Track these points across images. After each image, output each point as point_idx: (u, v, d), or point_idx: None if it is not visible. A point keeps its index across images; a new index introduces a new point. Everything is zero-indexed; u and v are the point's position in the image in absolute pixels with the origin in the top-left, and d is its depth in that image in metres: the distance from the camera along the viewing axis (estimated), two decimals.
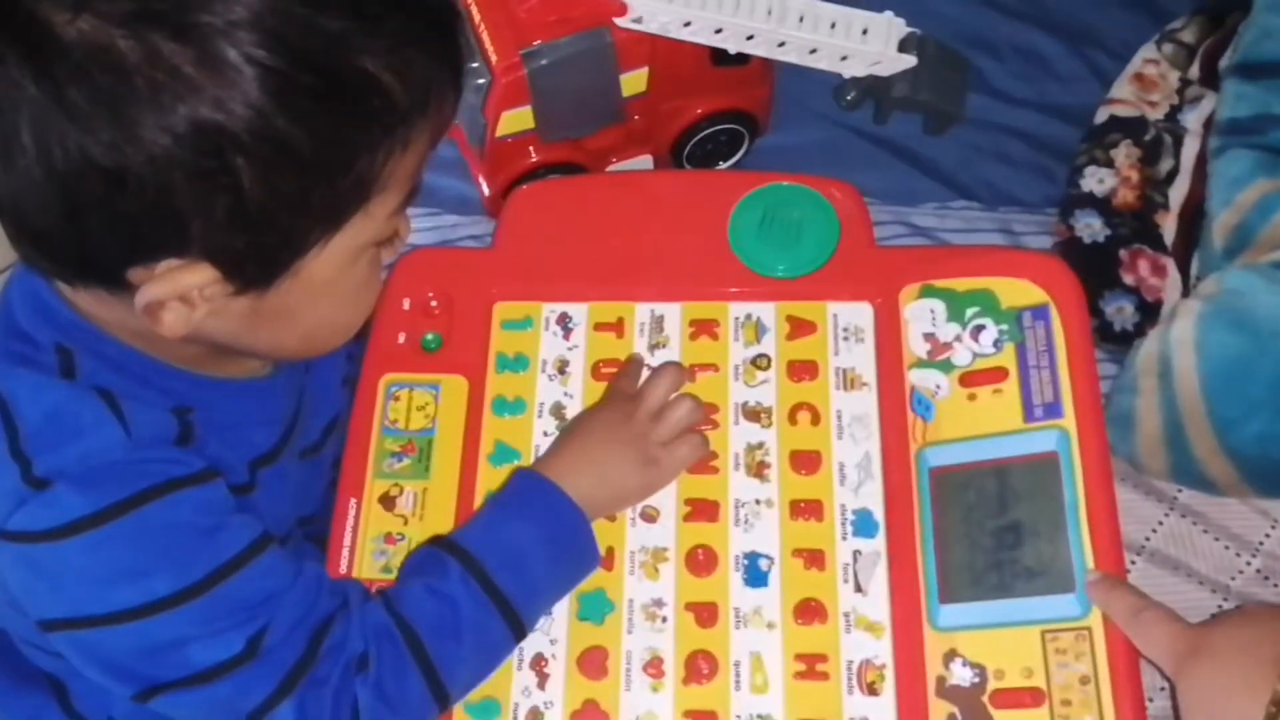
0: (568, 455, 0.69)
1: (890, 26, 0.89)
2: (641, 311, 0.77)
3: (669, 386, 0.72)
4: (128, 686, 0.58)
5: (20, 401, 0.56)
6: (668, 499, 0.71)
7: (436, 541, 0.67)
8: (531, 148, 0.93)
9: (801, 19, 0.87)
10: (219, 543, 0.58)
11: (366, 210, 0.54)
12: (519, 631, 0.65)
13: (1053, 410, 0.68)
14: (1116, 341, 0.87)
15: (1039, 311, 0.71)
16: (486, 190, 0.97)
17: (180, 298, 0.53)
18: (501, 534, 0.65)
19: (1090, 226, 0.92)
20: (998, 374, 0.70)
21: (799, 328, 0.76)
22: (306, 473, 0.70)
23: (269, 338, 0.59)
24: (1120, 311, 0.89)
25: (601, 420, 0.71)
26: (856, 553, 0.68)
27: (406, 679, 0.61)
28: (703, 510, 0.70)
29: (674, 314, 0.77)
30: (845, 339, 0.75)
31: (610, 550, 0.69)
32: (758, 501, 0.70)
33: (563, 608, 0.68)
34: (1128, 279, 0.90)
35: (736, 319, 0.77)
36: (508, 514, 0.67)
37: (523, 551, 0.65)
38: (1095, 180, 0.94)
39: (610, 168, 0.97)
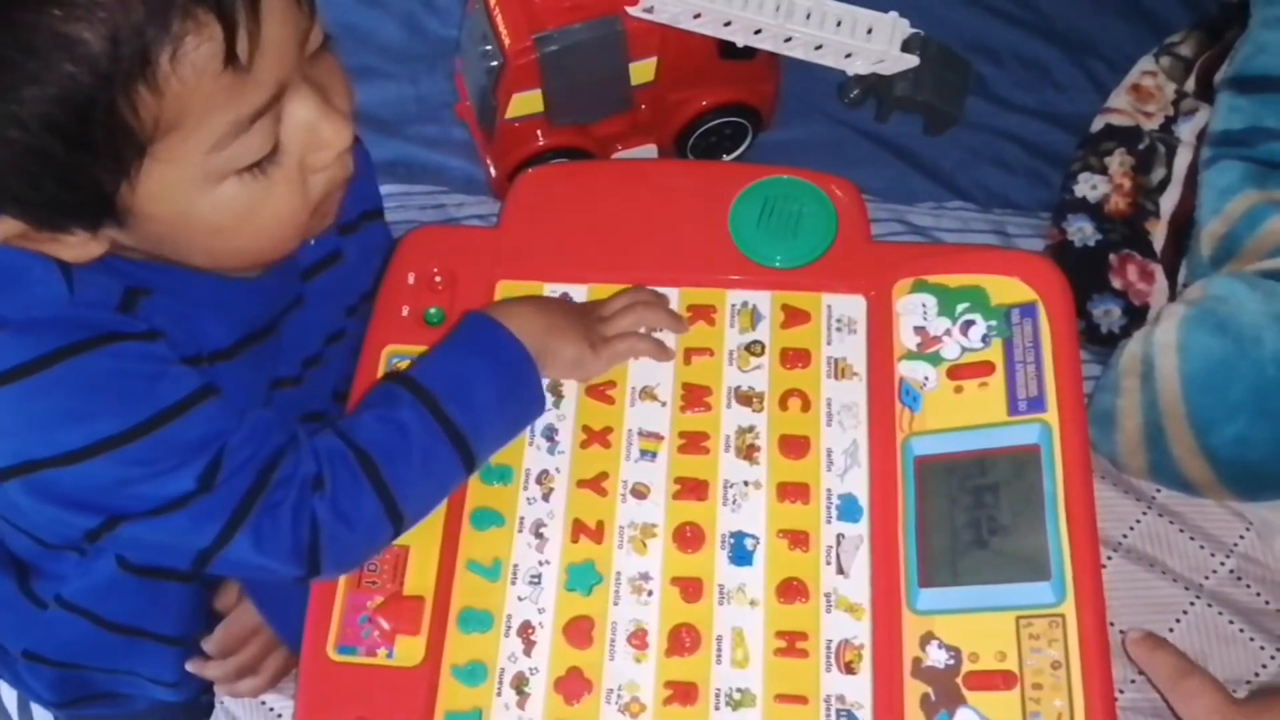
0: (516, 306, 0.73)
1: (895, 26, 0.91)
2: None
3: (627, 298, 0.76)
4: (89, 518, 0.61)
5: None
6: (659, 477, 0.72)
7: (388, 377, 0.70)
8: (539, 131, 0.94)
9: (808, 16, 0.89)
10: (161, 388, 0.59)
11: (155, 154, 0.53)
12: (468, 461, 0.68)
13: (1036, 404, 0.69)
14: (1103, 343, 0.89)
15: (1027, 309, 0.72)
16: (493, 172, 0.99)
17: (29, 238, 0.55)
18: (450, 367, 0.69)
19: (1082, 230, 0.94)
20: (984, 368, 0.72)
21: (793, 317, 0.77)
22: (278, 402, 0.71)
23: (178, 255, 0.60)
24: (1108, 314, 0.91)
25: (558, 300, 0.77)
26: (840, 536, 0.70)
27: (361, 498, 0.64)
28: (692, 489, 0.72)
29: (672, 298, 0.78)
30: (838, 329, 0.77)
31: (600, 524, 0.71)
32: (746, 483, 0.72)
33: (552, 578, 0.70)
34: (1116, 283, 0.92)
35: (733, 306, 0.78)
36: (457, 350, 0.71)
37: (470, 383, 0.69)
38: (1089, 186, 0.96)
39: (615, 155, 0.98)
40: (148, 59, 0.50)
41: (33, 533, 0.71)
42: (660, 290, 0.79)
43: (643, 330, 0.76)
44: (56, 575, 0.73)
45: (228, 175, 0.56)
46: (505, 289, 0.79)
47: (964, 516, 0.67)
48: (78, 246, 0.57)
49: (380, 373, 0.75)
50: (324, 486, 0.64)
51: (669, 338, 0.77)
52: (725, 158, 1.03)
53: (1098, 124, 1.00)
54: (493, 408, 0.69)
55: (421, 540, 0.70)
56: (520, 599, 0.69)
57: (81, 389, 0.58)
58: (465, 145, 1.02)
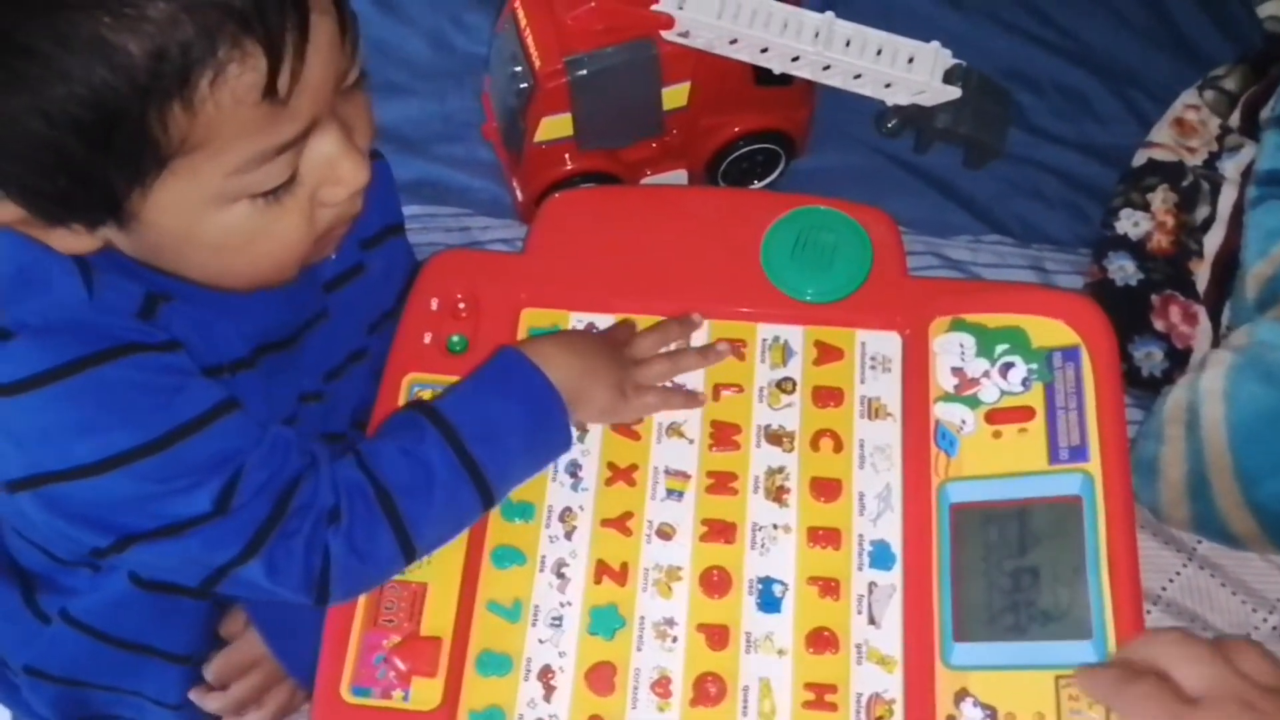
0: (553, 346, 0.71)
1: (937, 57, 0.89)
2: None
3: (658, 342, 0.75)
4: (102, 536, 0.60)
5: None
6: (685, 518, 0.70)
7: (415, 406, 0.69)
8: (568, 155, 0.93)
9: (848, 44, 0.87)
10: (179, 403, 0.59)
11: (175, 168, 0.52)
12: (488, 500, 0.67)
13: (1078, 454, 0.67)
14: (1144, 387, 0.87)
15: (1070, 353, 0.70)
16: (520, 195, 0.98)
17: (27, 224, 0.55)
18: (480, 406, 0.68)
19: (1123, 269, 0.93)
20: (1024, 413, 0.70)
21: (826, 353, 0.75)
22: (304, 415, 0.71)
23: (172, 266, 0.59)
24: (1149, 357, 0.89)
25: (595, 338, 0.75)
26: (872, 584, 0.68)
27: (377, 533, 0.64)
28: (720, 532, 0.70)
29: (701, 331, 0.77)
30: (872, 368, 0.75)
31: (624, 565, 0.69)
32: (775, 526, 0.70)
33: (574, 621, 0.68)
34: (1158, 325, 0.90)
35: (764, 340, 0.76)
36: (489, 388, 0.69)
37: (499, 425, 0.67)
38: (1130, 223, 0.95)
39: (645, 180, 0.97)
40: (188, 79, 0.50)
41: (46, 547, 0.71)
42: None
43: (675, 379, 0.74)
44: (66, 589, 0.72)
45: (240, 198, 0.55)
46: (530, 317, 0.77)
47: (1001, 568, 0.65)
48: (70, 240, 0.56)
49: (401, 402, 0.73)
50: (340, 520, 0.63)
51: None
52: (756, 185, 1.01)
53: (1139, 158, 0.98)
54: (519, 451, 0.69)
55: (440, 578, 0.68)
56: (541, 641, 0.67)
57: (98, 401, 0.57)
58: (491, 166, 1.01)
